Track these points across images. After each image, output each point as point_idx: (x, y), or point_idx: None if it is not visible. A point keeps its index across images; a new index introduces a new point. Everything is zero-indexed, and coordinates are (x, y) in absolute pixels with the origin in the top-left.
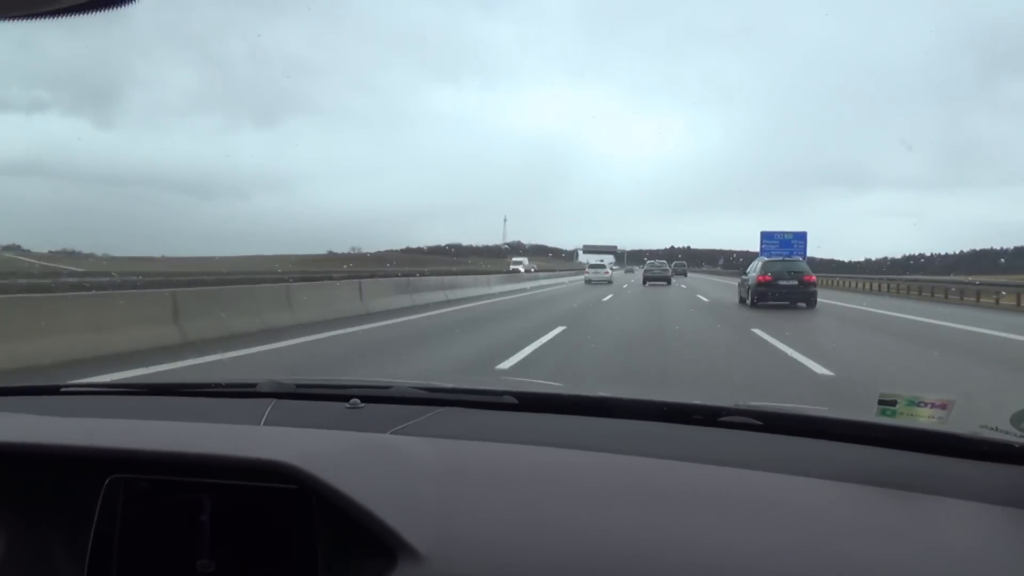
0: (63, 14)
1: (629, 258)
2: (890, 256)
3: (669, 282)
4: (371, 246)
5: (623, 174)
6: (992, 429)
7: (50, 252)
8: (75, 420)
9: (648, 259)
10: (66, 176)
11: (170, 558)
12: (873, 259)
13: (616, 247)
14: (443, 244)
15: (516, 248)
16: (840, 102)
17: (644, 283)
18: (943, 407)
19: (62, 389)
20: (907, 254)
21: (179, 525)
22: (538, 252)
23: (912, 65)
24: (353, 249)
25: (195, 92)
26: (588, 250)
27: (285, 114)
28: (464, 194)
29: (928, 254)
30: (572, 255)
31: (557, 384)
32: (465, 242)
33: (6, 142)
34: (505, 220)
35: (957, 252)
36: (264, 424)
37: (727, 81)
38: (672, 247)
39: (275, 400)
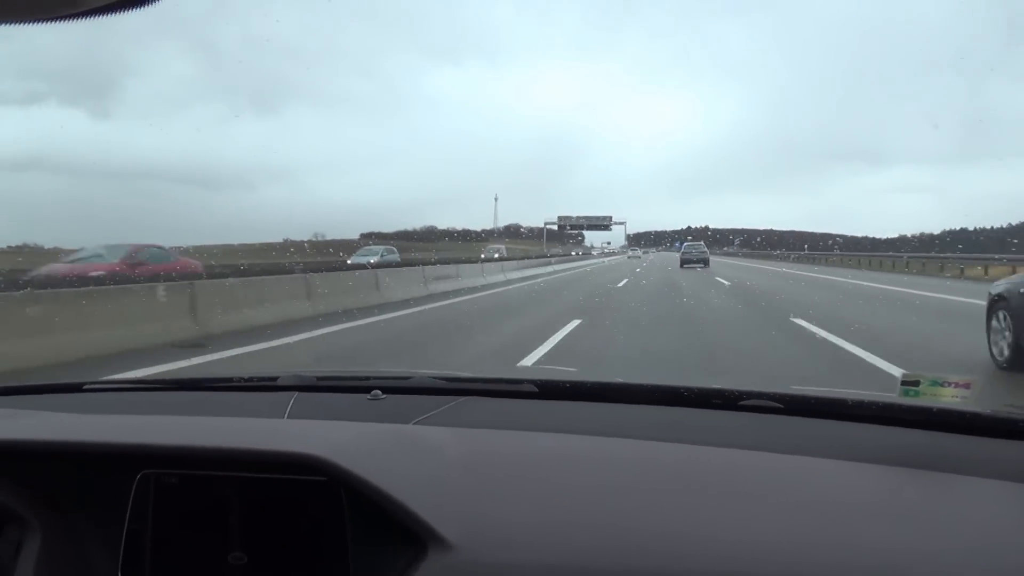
0: (87, 15)
1: (638, 240)
2: (925, 231)
3: (707, 263)
4: (349, 233)
5: (633, 153)
6: (1017, 408)
7: (8, 247)
8: (103, 417)
9: (690, 239)
10: (64, 169)
11: (202, 552)
12: (909, 235)
13: (610, 218)
14: (417, 228)
15: (513, 232)
16: (858, 75)
17: (681, 266)
18: (967, 386)
19: (85, 387)
20: (946, 229)
21: (210, 519)
22: (540, 236)
23: (932, 33)
24: (316, 235)
25: (194, 81)
26: (567, 223)
27: (282, 102)
28: (466, 177)
29: (971, 228)
30: (577, 238)
31: (575, 371)
32: (459, 225)
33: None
34: (496, 199)
35: (1004, 225)
36: (288, 417)
37: (741, 56)
38: (689, 227)
39: (297, 393)
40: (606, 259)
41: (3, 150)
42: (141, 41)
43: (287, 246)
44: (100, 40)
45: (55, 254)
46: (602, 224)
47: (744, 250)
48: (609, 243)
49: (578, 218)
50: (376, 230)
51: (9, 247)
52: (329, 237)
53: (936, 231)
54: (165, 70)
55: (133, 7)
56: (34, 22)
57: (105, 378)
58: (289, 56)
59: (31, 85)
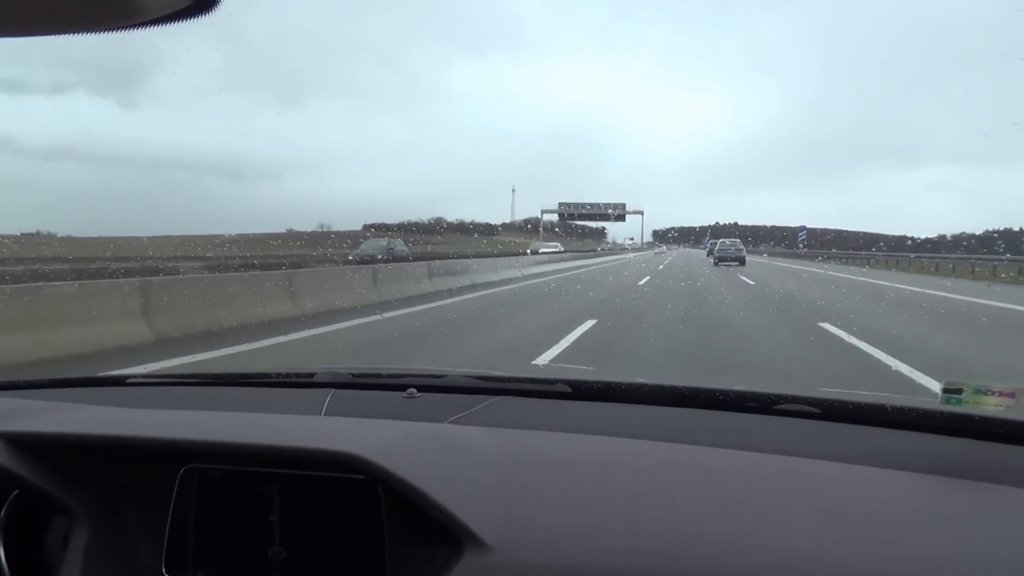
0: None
1: (662, 237)
2: (967, 231)
3: (743, 262)
4: (353, 224)
5: (658, 148)
6: None
7: (22, 234)
8: (148, 412)
9: (723, 237)
10: (93, 159)
11: (243, 546)
12: (948, 236)
13: (624, 206)
14: (423, 220)
15: (532, 226)
16: (893, 70)
17: (716, 264)
18: (1011, 395)
19: (128, 380)
20: (988, 230)
21: (251, 514)
22: (566, 231)
23: (973, 29)
24: (322, 226)
25: (220, 71)
26: (569, 211)
27: (307, 93)
28: (485, 170)
29: (1016, 229)
30: (599, 233)
31: (609, 372)
32: (481, 219)
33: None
34: (513, 191)
35: None
36: (325, 414)
37: (769, 49)
38: (717, 223)
39: (333, 390)
40: (584, 261)
41: (34, 138)
42: (167, 30)
43: (290, 236)
44: (125, 29)
45: (67, 242)
46: (613, 212)
47: (776, 248)
48: (632, 239)
49: (583, 205)
50: (381, 221)
51: (23, 234)
52: (335, 228)
53: (978, 231)
54: (192, 60)
55: (186, 17)
56: (90, 32)
57: (148, 372)
58: (315, 48)
59: (59, 74)
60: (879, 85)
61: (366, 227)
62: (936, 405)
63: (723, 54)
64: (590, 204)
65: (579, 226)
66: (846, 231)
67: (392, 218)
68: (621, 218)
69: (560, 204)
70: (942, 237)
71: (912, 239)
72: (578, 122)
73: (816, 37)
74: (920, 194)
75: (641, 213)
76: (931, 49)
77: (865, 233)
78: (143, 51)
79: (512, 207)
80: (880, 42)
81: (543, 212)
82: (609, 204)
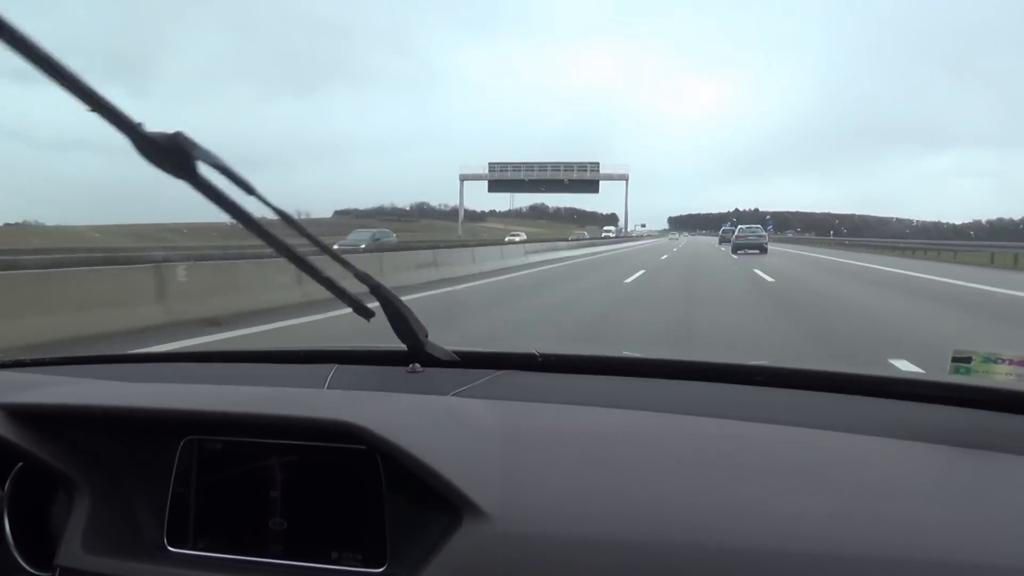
0: None
1: (677, 224)
2: (1006, 216)
3: (764, 250)
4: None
5: (676, 134)
6: None
7: (5, 224)
8: (149, 385)
9: (740, 223)
10: (104, 148)
11: (244, 516)
12: (984, 221)
13: (597, 165)
14: (405, 206)
15: (541, 213)
16: (915, 52)
17: (734, 251)
18: (1022, 364)
19: (129, 357)
20: None
21: (252, 485)
22: (583, 218)
23: (997, 6)
24: (299, 213)
25: (230, 59)
26: (503, 174)
27: (317, 79)
28: (496, 157)
29: None
30: (611, 219)
31: (615, 347)
32: (487, 207)
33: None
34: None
35: None
36: (328, 388)
37: (790, 32)
38: (737, 209)
39: (337, 365)
40: None
41: (48, 128)
42: (176, 17)
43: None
44: (136, 16)
45: (62, 232)
46: (578, 178)
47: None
48: (644, 225)
49: (530, 166)
50: (354, 207)
51: (7, 224)
52: (313, 215)
53: (1017, 216)
54: (201, 47)
55: None
56: None
57: (148, 350)
58: (325, 33)
59: (69, 61)
60: (903, 68)
61: (337, 213)
62: (945, 376)
63: (742, 37)
64: (537, 165)
65: (591, 212)
66: (870, 216)
67: (374, 204)
68: (591, 187)
69: (491, 165)
70: (976, 222)
71: (945, 224)
72: (591, 108)
73: (839, 19)
74: (945, 179)
75: (625, 178)
76: (956, 32)
77: (899, 219)
78: (152, 38)
79: (512, 194)
80: (905, 23)
81: (463, 179)
82: (567, 164)
